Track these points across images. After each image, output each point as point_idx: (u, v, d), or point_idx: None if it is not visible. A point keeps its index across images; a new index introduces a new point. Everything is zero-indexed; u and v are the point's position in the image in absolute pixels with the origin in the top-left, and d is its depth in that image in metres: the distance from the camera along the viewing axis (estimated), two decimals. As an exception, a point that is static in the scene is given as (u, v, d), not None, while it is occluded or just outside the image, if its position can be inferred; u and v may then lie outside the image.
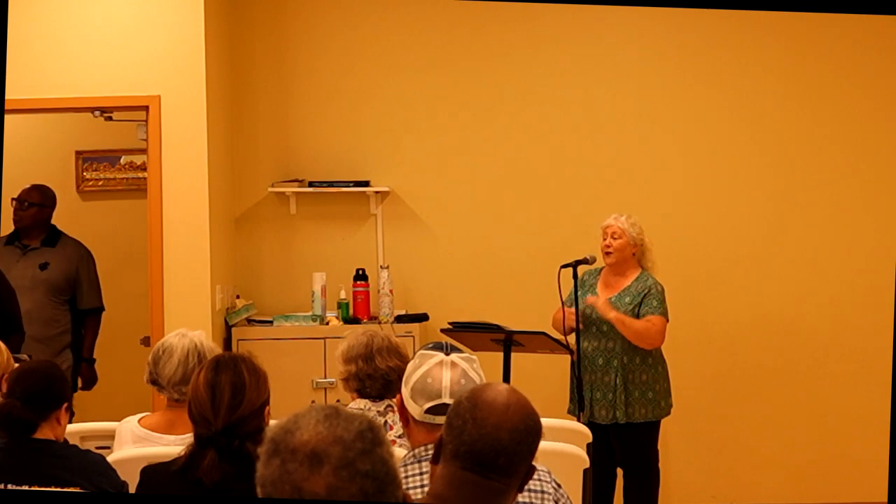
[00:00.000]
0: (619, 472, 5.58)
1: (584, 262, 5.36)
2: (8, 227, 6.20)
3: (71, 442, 3.41)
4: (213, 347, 3.74)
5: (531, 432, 2.17)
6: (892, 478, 2.54)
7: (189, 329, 3.81)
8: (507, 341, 5.37)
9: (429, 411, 2.60)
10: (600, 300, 5.33)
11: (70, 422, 3.37)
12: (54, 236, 6.19)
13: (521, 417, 2.15)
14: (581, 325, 5.34)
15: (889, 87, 6.40)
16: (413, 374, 2.68)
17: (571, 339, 5.30)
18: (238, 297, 6.27)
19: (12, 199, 6.15)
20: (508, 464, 2.12)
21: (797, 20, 6.34)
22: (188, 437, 2.98)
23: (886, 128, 6.40)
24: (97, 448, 3.57)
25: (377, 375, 3.90)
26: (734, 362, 6.41)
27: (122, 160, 7.20)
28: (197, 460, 2.86)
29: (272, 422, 1.65)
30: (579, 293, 5.36)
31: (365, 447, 1.59)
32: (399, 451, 2.31)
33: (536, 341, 5.33)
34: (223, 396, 2.89)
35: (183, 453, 2.92)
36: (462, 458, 2.09)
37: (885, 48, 6.39)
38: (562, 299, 5.39)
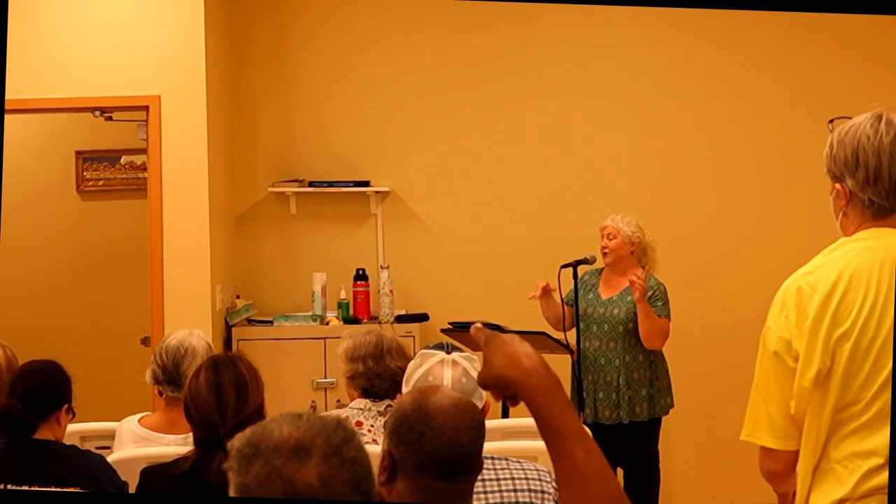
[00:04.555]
0: (620, 471, 5.58)
1: (584, 262, 5.37)
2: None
3: (71, 442, 3.41)
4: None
5: (481, 425, 2.18)
6: (893, 477, 2.45)
7: (189, 329, 3.83)
8: (507, 341, 5.36)
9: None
10: (640, 283, 5.22)
11: (71, 421, 3.37)
12: None
13: (471, 414, 2.16)
14: (581, 324, 5.35)
15: (884, 84, 6.40)
16: (414, 373, 2.68)
17: (572, 339, 5.30)
18: (238, 297, 6.27)
19: None
20: (472, 463, 2.14)
21: (793, 20, 6.35)
22: (189, 437, 2.97)
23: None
24: (97, 448, 3.57)
25: (387, 375, 3.88)
26: (734, 361, 6.41)
27: (122, 160, 7.20)
28: (205, 464, 2.83)
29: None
30: (580, 293, 5.37)
31: (346, 436, 1.59)
32: (373, 449, 2.29)
33: (536, 341, 5.33)
34: (228, 398, 2.87)
35: (185, 457, 2.90)
36: (429, 470, 2.08)
37: (877, 45, 6.40)
38: (562, 298, 5.41)
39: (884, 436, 2.26)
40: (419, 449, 2.08)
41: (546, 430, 1.70)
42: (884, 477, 2.28)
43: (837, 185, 2.48)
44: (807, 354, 2.31)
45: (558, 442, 1.69)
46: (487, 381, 1.75)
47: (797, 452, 2.38)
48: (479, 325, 1.83)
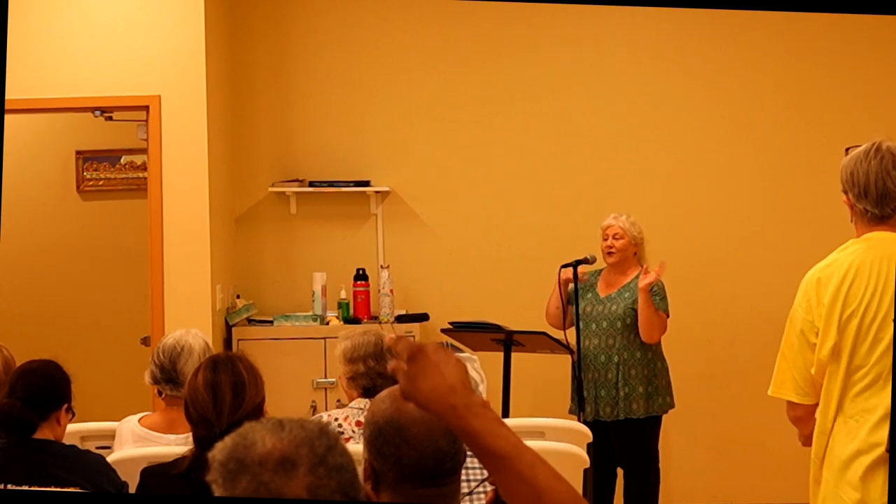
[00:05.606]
0: (620, 471, 5.58)
1: (584, 261, 5.37)
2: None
3: (71, 442, 3.41)
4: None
5: None
6: (893, 477, 2.67)
7: (187, 329, 3.83)
8: (507, 341, 5.37)
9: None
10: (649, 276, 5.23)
11: (71, 421, 3.37)
12: None
13: None
14: (580, 323, 5.35)
15: (881, 80, 6.41)
16: (414, 373, 2.67)
17: (571, 338, 5.30)
18: (238, 297, 6.27)
19: None
20: (454, 465, 2.12)
21: (795, 20, 6.35)
22: (189, 437, 2.97)
23: (881, 122, 6.39)
24: (97, 448, 3.57)
25: (388, 374, 3.87)
26: (735, 361, 6.41)
27: (122, 160, 7.19)
28: (202, 462, 2.84)
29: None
30: (579, 293, 5.37)
31: (330, 443, 1.57)
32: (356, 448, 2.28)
33: (536, 341, 5.34)
34: (225, 396, 2.88)
35: (183, 456, 2.91)
36: (411, 479, 2.06)
37: (874, 43, 6.40)
38: (562, 298, 5.41)
39: (884, 394, 2.99)
40: (398, 461, 2.05)
41: (484, 455, 1.68)
42: (885, 430, 2.97)
43: (844, 198, 3.23)
44: (824, 331, 3.07)
45: (500, 464, 1.67)
46: (410, 400, 1.74)
47: (814, 405, 3.15)
48: (395, 336, 1.81)
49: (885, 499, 2.95)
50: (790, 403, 3.20)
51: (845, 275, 3.09)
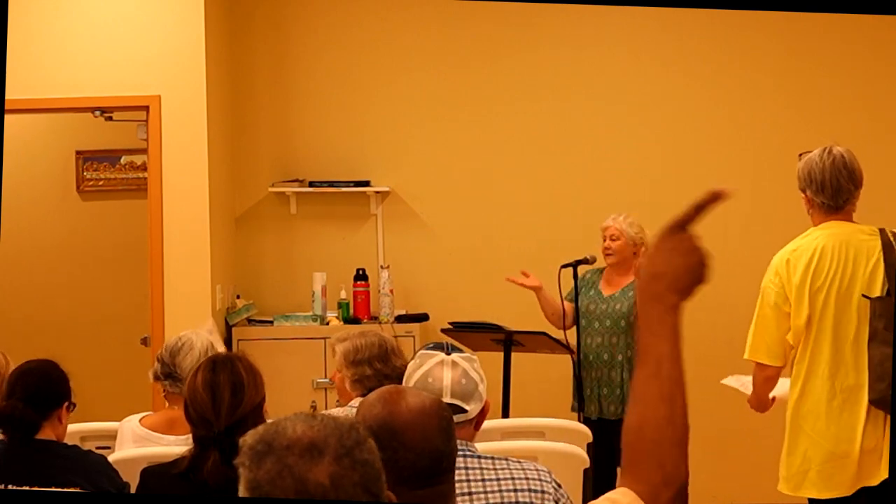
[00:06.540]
0: (620, 471, 5.58)
1: (585, 261, 5.38)
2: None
3: (71, 442, 3.41)
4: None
5: (450, 421, 2.15)
6: (893, 478, 2.70)
7: (197, 330, 3.85)
8: (507, 341, 5.37)
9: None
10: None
11: (72, 413, 3.36)
12: None
13: (437, 415, 2.12)
14: (582, 321, 5.35)
15: (881, 80, 6.41)
16: (414, 373, 2.68)
17: (572, 338, 5.30)
18: (238, 297, 6.27)
19: None
20: (450, 462, 2.11)
21: (794, 20, 6.36)
22: (189, 437, 2.97)
23: (881, 122, 6.41)
24: (98, 448, 3.58)
25: (394, 375, 3.85)
26: (733, 361, 6.39)
27: (122, 160, 7.20)
28: (200, 462, 2.84)
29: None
30: (581, 291, 5.38)
31: (359, 438, 1.59)
32: None
33: (537, 341, 5.34)
34: (223, 396, 2.88)
35: (183, 456, 2.91)
36: (409, 482, 2.05)
37: (874, 43, 6.41)
38: (561, 296, 5.41)
39: (849, 355, 3.69)
40: (395, 465, 2.00)
41: (638, 349, 1.85)
42: (849, 379, 3.69)
43: (803, 195, 3.84)
44: (798, 304, 3.71)
45: (637, 359, 1.85)
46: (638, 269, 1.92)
47: (781, 367, 3.84)
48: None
49: (853, 432, 3.65)
50: (760, 366, 3.85)
51: (812, 256, 3.70)
